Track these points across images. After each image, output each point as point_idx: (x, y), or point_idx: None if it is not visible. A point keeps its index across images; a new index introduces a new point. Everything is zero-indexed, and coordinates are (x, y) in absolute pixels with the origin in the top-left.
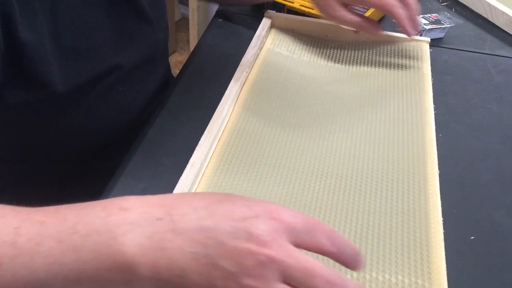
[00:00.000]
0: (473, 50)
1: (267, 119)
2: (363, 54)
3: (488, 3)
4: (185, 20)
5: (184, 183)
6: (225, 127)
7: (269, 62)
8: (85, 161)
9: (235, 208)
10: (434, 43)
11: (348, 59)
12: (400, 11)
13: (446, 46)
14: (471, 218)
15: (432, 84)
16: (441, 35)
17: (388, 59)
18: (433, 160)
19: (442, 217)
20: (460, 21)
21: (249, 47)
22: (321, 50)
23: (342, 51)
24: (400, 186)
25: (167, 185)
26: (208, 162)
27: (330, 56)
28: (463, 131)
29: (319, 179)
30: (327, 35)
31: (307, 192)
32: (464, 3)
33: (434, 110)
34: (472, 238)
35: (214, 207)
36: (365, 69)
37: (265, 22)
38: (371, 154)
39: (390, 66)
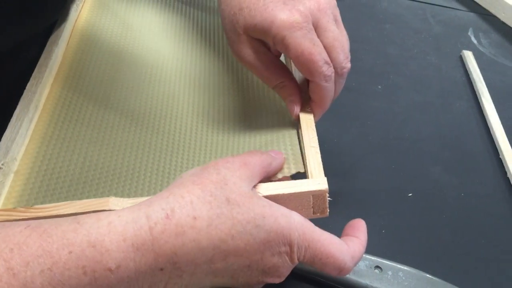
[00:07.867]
0: None
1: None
2: None
3: None
4: None
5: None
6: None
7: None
8: None
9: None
10: None
11: None
12: (325, 85)
13: None
14: (409, 174)
15: (371, 32)
16: None
17: None
18: None
19: (381, 174)
20: None
21: None
22: None
23: None
24: None
25: None
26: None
27: None
28: (403, 83)
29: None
30: None
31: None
32: None
33: (375, 61)
34: (410, 195)
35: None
36: None
37: None
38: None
39: None
